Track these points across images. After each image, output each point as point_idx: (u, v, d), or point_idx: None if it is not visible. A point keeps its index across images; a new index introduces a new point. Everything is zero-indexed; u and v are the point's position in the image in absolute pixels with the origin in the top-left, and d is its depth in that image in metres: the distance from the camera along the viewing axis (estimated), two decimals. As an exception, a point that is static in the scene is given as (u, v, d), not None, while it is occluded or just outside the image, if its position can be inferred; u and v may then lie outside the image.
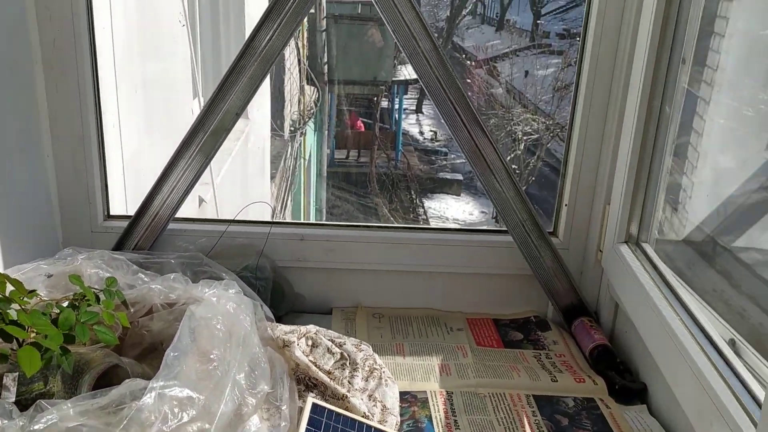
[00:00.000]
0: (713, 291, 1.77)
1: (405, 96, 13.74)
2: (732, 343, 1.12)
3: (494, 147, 1.48)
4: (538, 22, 14.73)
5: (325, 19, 7.76)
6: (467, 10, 15.01)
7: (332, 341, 1.28)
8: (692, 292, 1.26)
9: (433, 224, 11.78)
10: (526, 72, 13.71)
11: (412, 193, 12.27)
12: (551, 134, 11.61)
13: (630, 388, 1.33)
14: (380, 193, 10.79)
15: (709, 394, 0.95)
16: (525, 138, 11.89)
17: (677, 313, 1.15)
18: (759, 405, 0.89)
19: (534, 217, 1.52)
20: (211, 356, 1.04)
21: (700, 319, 1.11)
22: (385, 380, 1.25)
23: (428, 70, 1.42)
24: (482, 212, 12.74)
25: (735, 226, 1.72)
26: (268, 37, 1.42)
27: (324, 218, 8.94)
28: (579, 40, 1.52)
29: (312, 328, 1.29)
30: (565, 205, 1.57)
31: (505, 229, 1.54)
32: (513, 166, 11.30)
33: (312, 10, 7.09)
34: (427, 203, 12.70)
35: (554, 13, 14.94)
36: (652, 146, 1.37)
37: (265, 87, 4.26)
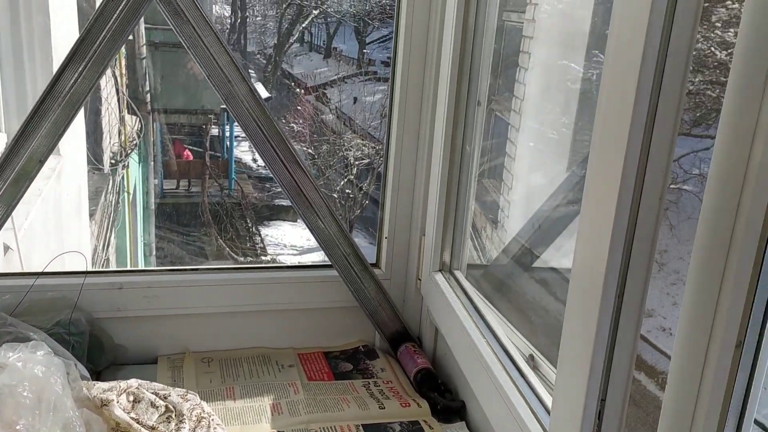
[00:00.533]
0: (533, 299, 1.94)
1: (236, 123, 13.55)
2: (531, 359, 1.25)
3: (314, 185, 1.52)
4: (364, 51, 15.28)
5: (145, 47, 7.47)
6: (295, 38, 15.16)
7: (156, 394, 1.24)
8: (498, 314, 1.39)
9: (270, 251, 11.66)
10: (355, 98, 14.13)
11: (248, 221, 12.08)
12: (381, 159, 12.05)
13: (450, 407, 1.43)
14: (214, 224, 10.49)
15: (508, 407, 1.06)
16: (357, 163, 12.21)
17: (483, 335, 1.26)
18: (549, 413, 1.00)
19: (357, 250, 1.58)
20: (18, 427, 0.97)
21: (502, 339, 1.23)
22: (214, 428, 1.24)
23: (246, 113, 1.44)
24: (319, 237, 12.80)
25: (546, 237, 1.91)
26: (73, 80, 1.36)
27: (153, 253, 8.51)
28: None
29: (133, 382, 1.24)
30: (385, 237, 1.66)
31: (330, 263, 1.59)
32: (347, 191, 11.57)
33: (130, 37, 6.80)
34: (264, 231, 12.56)
35: (378, 42, 15.58)
36: (457, 183, 1.49)
37: (80, 119, 4.00)
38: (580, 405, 0.83)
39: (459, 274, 1.52)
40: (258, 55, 15.99)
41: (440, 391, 1.49)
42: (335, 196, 11.62)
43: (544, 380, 1.14)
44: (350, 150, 12.45)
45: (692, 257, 0.79)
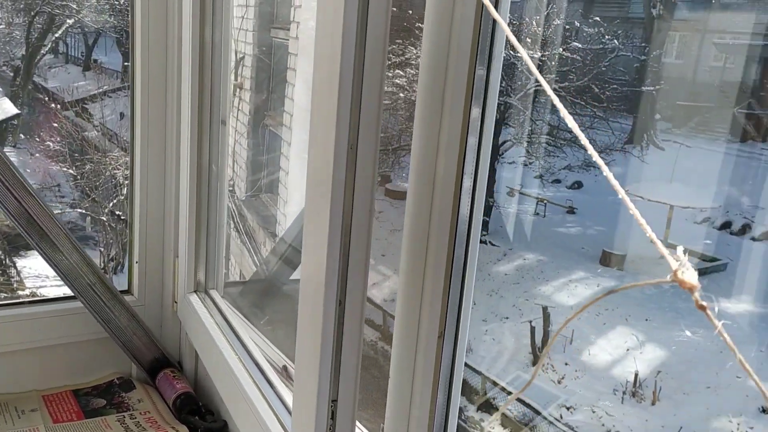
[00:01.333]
0: (291, 309, 1.98)
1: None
2: (285, 369, 1.29)
3: (48, 212, 1.42)
4: (126, 63, 14.42)
5: None
6: (47, 49, 13.80)
7: None
8: (253, 329, 1.42)
9: (29, 284, 10.47)
10: (122, 114, 13.26)
11: (1, 253, 10.71)
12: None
13: (211, 429, 1.42)
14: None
15: (258, 420, 1.09)
16: (126, 182, 11.46)
17: (236, 352, 1.27)
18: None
19: (102, 278, 1.50)
20: None
21: (254, 354, 1.25)
22: (-68, 494, 1.09)
23: (-42, 138, 1.30)
24: (88, 264, 11.77)
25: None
26: None
27: None
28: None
29: None
30: (136, 262, 1.60)
31: (72, 294, 1.49)
32: (117, 213, 10.80)
33: None
34: (20, 263, 11.22)
35: (144, 54, 14.81)
36: (206, 202, 1.49)
37: None
38: (313, 407, 0.88)
39: (215, 294, 1.52)
40: (4, 67, 14.31)
41: (201, 414, 1.47)
42: (104, 219, 10.82)
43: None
44: (118, 169, 11.66)
45: (401, 263, 0.89)
